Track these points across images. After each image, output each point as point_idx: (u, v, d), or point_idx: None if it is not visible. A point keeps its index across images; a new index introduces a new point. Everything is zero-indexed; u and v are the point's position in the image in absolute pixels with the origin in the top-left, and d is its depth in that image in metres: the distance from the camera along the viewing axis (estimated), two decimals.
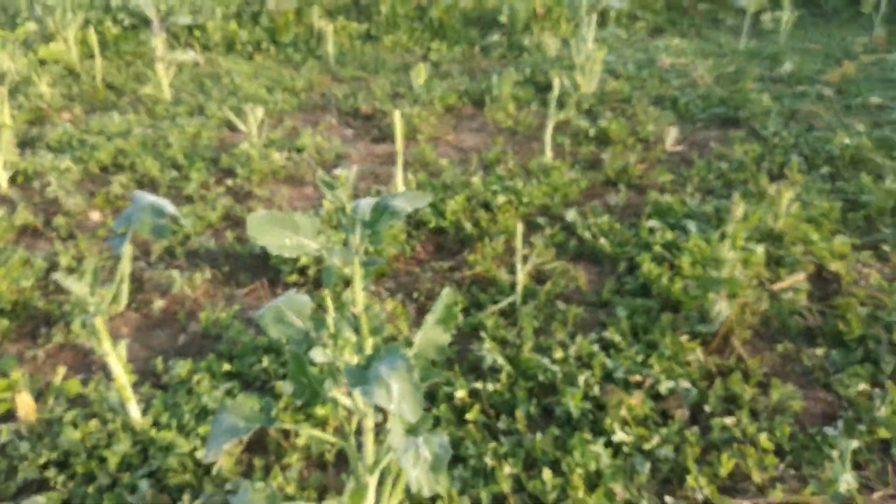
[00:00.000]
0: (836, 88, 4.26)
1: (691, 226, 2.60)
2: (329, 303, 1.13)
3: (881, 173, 3.04)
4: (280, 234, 1.01)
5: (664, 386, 1.84)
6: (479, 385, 1.83)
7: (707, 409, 1.78)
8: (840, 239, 2.45)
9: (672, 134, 3.52)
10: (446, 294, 1.24)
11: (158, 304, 2.31)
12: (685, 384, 1.85)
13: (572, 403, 1.75)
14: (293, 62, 4.95)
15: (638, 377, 1.88)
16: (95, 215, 2.92)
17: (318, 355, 1.08)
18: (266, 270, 2.50)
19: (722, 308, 2.06)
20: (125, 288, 1.66)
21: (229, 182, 3.13)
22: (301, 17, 5.22)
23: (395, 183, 2.85)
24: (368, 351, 1.10)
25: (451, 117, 4.05)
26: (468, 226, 2.70)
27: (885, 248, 2.49)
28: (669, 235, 2.51)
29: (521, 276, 2.22)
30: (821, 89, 4.21)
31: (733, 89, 4.22)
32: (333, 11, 5.43)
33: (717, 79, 4.43)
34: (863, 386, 1.79)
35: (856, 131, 3.47)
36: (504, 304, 2.22)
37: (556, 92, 3.12)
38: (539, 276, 2.41)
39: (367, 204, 1.07)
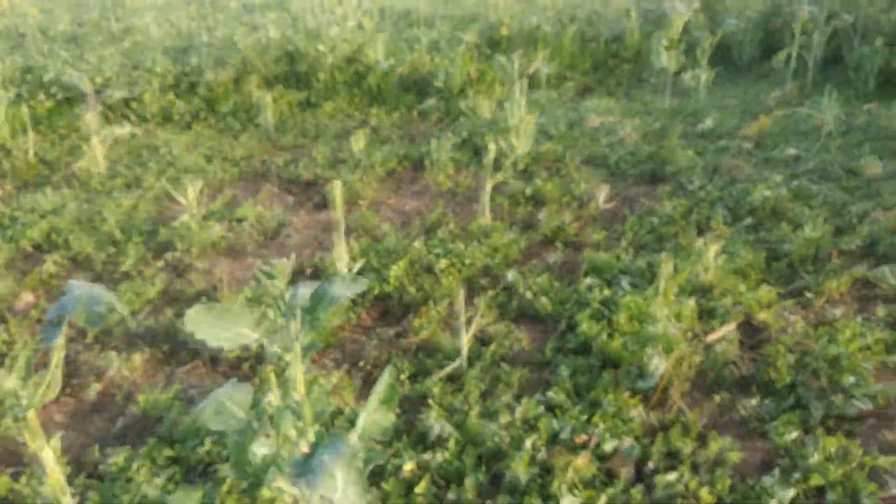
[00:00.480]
0: (755, 142, 4.52)
1: (626, 282, 2.69)
2: (273, 381, 1.13)
3: (800, 222, 3.23)
4: (219, 326, 1.02)
5: (609, 444, 1.88)
6: (427, 456, 1.83)
7: (650, 465, 1.82)
8: (765, 288, 2.59)
9: (604, 191, 3.67)
10: (388, 373, 1.26)
11: (95, 388, 2.24)
12: (629, 441, 1.89)
13: (520, 469, 1.76)
14: (232, 131, 4.97)
15: (583, 437, 1.92)
16: (27, 297, 2.83)
17: (261, 447, 1.08)
18: (207, 347, 2.46)
19: (659, 363, 2.14)
20: (59, 374, 1.61)
21: (168, 257, 3.09)
22: (239, 86, 5.28)
23: (337, 250, 2.87)
24: (312, 438, 1.10)
25: (391, 181, 4.13)
26: (412, 290, 2.73)
27: (808, 295, 2.64)
28: (606, 292, 2.60)
29: (466, 340, 2.25)
30: (740, 143, 4.47)
31: (660, 145, 4.44)
32: (271, 80, 5.50)
33: (644, 136, 4.65)
34: (795, 433, 1.87)
35: (774, 182, 3.69)
36: (450, 369, 2.24)
37: (491, 155, 3.23)
38: (483, 339, 2.45)
39: (305, 291, 1.09)
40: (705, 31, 5.47)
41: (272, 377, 1.16)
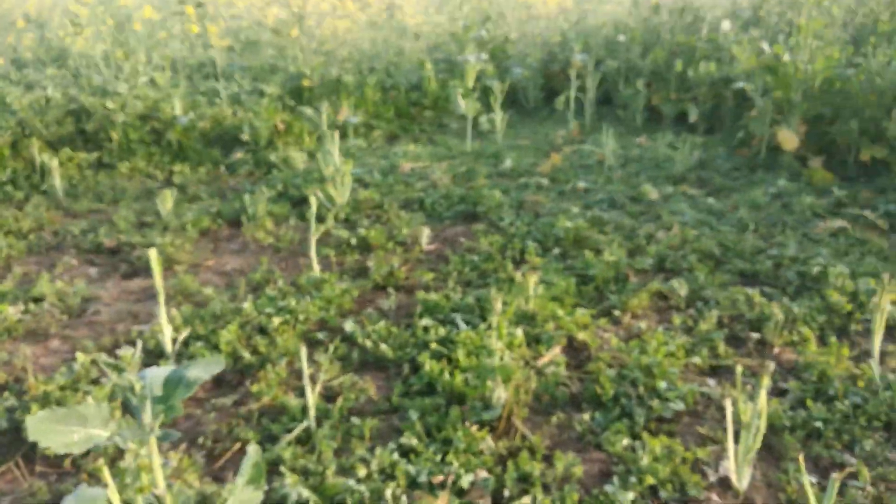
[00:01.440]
0: (550, 178, 4.98)
1: (459, 318, 2.82)
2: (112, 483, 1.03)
3: (599, 248, 3.61)
4: (65, 430, 0.92)
5: (465, 480, 1.94)
6: None
7: (506, 493, 1.91)
8: (581, 311, 2.85)
9: (425, 234, 3.82)
10: (253, 451, 1.21)
11: None
12: (483, 474, 1.97)
13: None
14: (15, 201, 4.42)
15: (440, 477, 1.96)
16: None
17: None
18: (19, 444, 2.15)
19: (500, 393, 2.26)
20: None
21: None
22: (18, 150, 4.72)
23: (158, 322, 2.67)
24: None
25: (207, 241, 3.93)
26: (246, 354, 2.61)
27: (616, 313, 2.95)
28: (442, 331, 2.69)
29: (312, 398, 2.21)
30: (538, 180, 4.90)
31: (469, 186, 4.72)
32: (56, 142, 4.99)
33: (454, 179, 4.92)
34: (626, 440, 2.07)
35: (573, 214, 4.10)
36: (298, 431, 2.17)
37: (314, 209, 3.22)
38: (329, 394, 2.41)
39: (157, 378, 1.02)
40: (495, 79, 5.94)
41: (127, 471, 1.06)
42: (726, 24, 6.09)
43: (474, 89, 5.85)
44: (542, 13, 7.57)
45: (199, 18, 8.13)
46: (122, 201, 4.47)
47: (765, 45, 5.19)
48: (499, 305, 2.21)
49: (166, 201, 4.12)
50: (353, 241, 3.75)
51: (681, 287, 3.12)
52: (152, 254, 2.48)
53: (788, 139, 4.91)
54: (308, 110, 5.26)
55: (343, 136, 6.03)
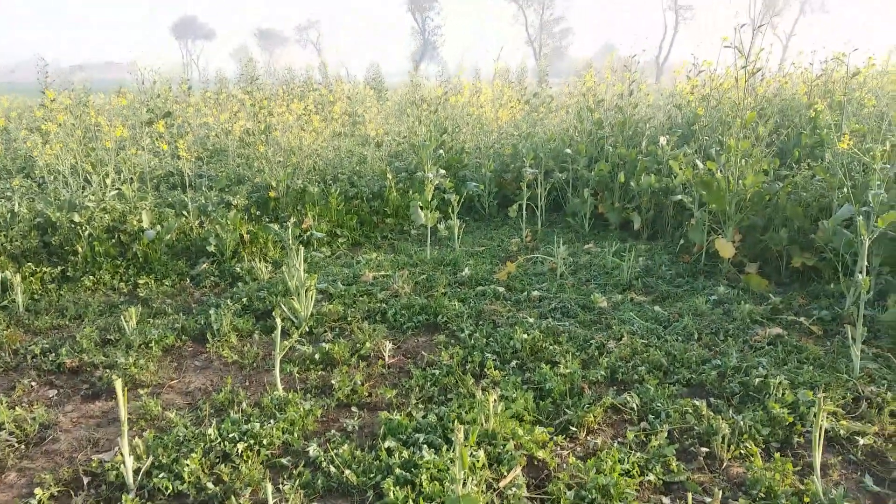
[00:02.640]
0: (506, 286, 5.20)
1: (422, 439, 2.90)
2: None
3: (555, 360, 3.78)
4: None
5: None
6: None
7: None
8: (539, 429, 2.97)
9: (387, 347, 3.94)
10: None
11: None
12: None
13: None
14: None
15: None
16: None
17: None
18: None
19: None
20: None
21: None
22: None
23: (120, 451, 2.68)
24: None
25: (172, 359, 3.96)
26: (210, 485, 2.63)
27: (573, 428, 3.08)
28: (406, 454, 2.77)
29: None
30: (495, 288, 5.11)
31: (429, 295, 4.90)
32: (19, 256, 5.03)
33: (415, 288, 5.09)
34: None
35: (529, 324, 4.28)
36: None
37: (279, 330, 3.33)
38: None
39: None
40: (452, 192, 6.26)
41: None
42: (663, 140, 6.59)
43: (433, 201, 6.14)
44: (493, 127, 8.05)
45: (167, 127, 8.39)
46: (86, 317, 4.49)
47: (699, 162, 5.64)
48: (461, 435, 2.32)
49: (131, 318, 4.17)
50: (317, 356, 3.84)
51: (632, 400, 3.28)
52: (118, 384, 2.54)
53: (725, 248, 5.26)
54: (274, 227, 5.44)
55: (308, 244, 6.22)
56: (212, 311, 4.36)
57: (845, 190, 4.72)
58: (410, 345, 4.15)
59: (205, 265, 5.49)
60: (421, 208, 5.93)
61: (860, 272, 3.59)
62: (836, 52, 6.82)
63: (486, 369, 3.66)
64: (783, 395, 3.31)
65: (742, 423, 3.07)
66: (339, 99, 13.05)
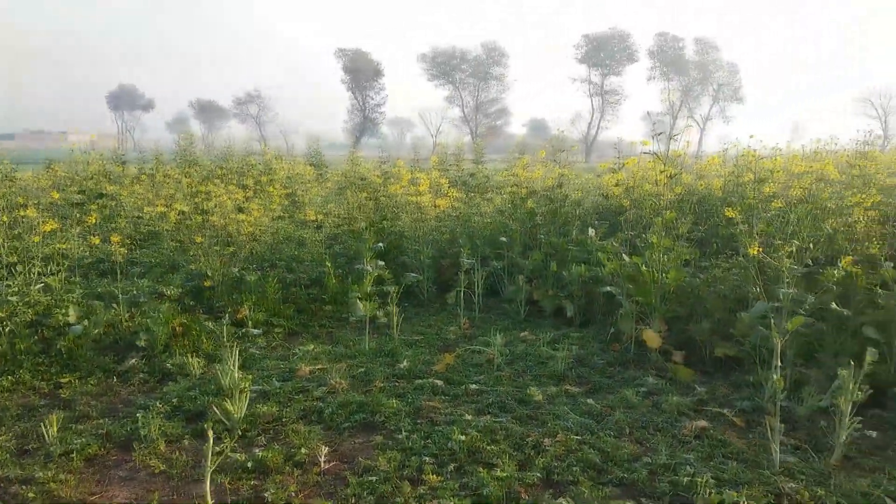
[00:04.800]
0: (444, 378, 5.23)
1: None
2: None
3: (492, 462, 3.81)
4: None
5: None
6: None
7: None
8: None
9: (323, 452, 3.88)
10: None
11: None
12: None
13: None
14: None
15: None
16: None
17: None
18: None
19: None
20: None
21: None
22: None
23: None
24: None
25: (94, 470, 3.78)
26: None
27: None
28: None
29: None
30: (433, 381, 5.13)
31: (367, 390, 4.88)
32: None
33: (352, 382, 5.07)
34: None
35: (466, 422, 4.31)
36: None
37: (210, 442, 3.25)
38: None
39: None
40: (391, 284, 6.33)
41: None
42: (591, 232, 6.92)
43: (371, 292, 6.19)
44: (432, 214, 8.27)
45: (99, 209, 8.23)
46: (3, 423, 4.26)
47: (625, 256, 5.93)
48: None
49: (52, 426, 3.98)
50: (250, 464, 3.74)
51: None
52: None
53: (652, 338, 5.49)
54: (209, 324, 5.36)
55: (244, 336, 6.12)
56: (139, 415, 4.22)
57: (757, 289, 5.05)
58: (347, 447, 4.10)
59: (134, 360, 5.33)
60: (359, 299, 5.97)
61: (774, 372, 3.82)
62: (746, 150, 7.40)
63: (423, 474, 3.65)
64: (710, 495, 3.43)
65: None
66: (278, 179, 13.14)
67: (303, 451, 3.90)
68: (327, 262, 7.22)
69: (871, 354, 3.79)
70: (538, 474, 3.68)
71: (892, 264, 5.01)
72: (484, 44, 78.37)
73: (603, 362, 5.69)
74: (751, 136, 8.02)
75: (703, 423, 4.42)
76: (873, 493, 3.52)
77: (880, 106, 74.03)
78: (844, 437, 3.86)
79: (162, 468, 3.78)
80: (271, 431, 4.27)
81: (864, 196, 5.47)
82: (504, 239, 7.65)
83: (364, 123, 75.52)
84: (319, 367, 5.43)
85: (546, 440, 4.13)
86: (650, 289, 5.56)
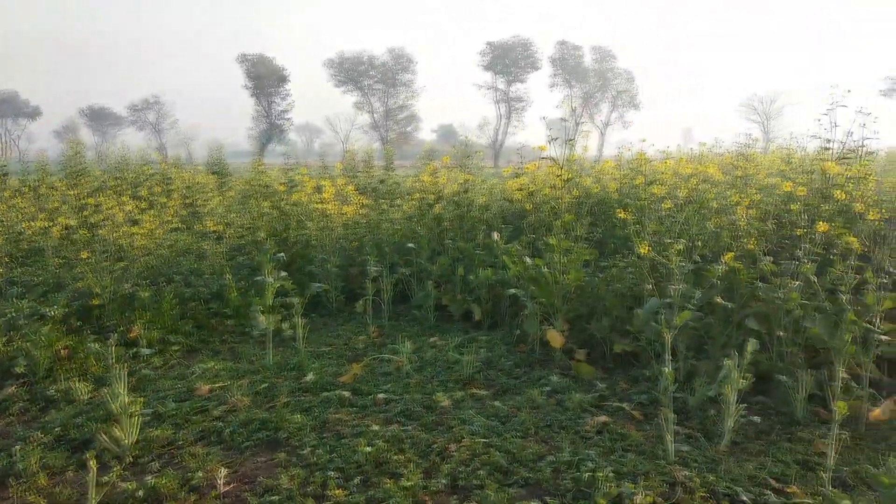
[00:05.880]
0: (352, 389, 5.14)
1: None
2: None
3: (398, 471, 3.76)
4: None
5: None
6: None
7: None
8: None
9: (222, 474, 3.72)
10: None
11: None
12: None
13: None
14: None
15: None
16: None
17: None
18: None
19: None
20: None
21: None
22: None
23: None
24: None
25: None
26: None
27: None
28: None
29: None
30: (340, 393, 5.03)
31: (270, 407, 4.72)
32: None
33: (254, 399, 4.89)
34: None
35: (373, 433, 4.24)
36: None
37: (93, 472, 3.05)
38: None
39: None
40: (296, 295, 6.17)
41: None
42: (496, 235, 7.02)
43: (274, 304, 6.01)
44: (339, 222, 8.14)
45: None
46: None
47: (528, 259, 6.05)
48: None
49: None
50: (141, 492, 3.53)
51: None
52: None
53: (555, 338, 5.62)
54: (95, 346, 5.04)
55: (137, 356, 5.79)
56: (16, 448, 3.90)
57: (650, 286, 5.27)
58: (248, 467, 3.94)
59: (12, 388, 4.93)
60: (261, 312, 5.78)
61: (665, 365, 3.98)
62: (639, 153, 7.73)
63: (327, 490, 3.56)
64: (609, 488, 3.53)
65: None
66: (177, 189, 12.60)
67: (199, 474, 3.72)
68: (227, 275, 6.96)
69: (752, 344, 4.02)
70: (444, 481, 3.68)
71: (770, 259, 5.36)
72: (391, 49, 78.41)
73: (510, 364, 5.76)
74: (643, 140, 8.38)
75: (604, 418, 4.56)
76: (759, 475, 3.73)
77: (762, 112, 79.69)
78: (731, 424, 4.08)
79: None
80: (166, 456, 4.05)
81: (743, 195, 5.83)
82: (412, 245, 7.63)
83: (270, 130, 73.71)
84: (220, 384, 5.21)
85: (452, 446, 4.13)
86: (552, 290, 5.69)
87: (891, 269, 4.44)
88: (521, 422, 4.51)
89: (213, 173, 17.55)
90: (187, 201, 11.56)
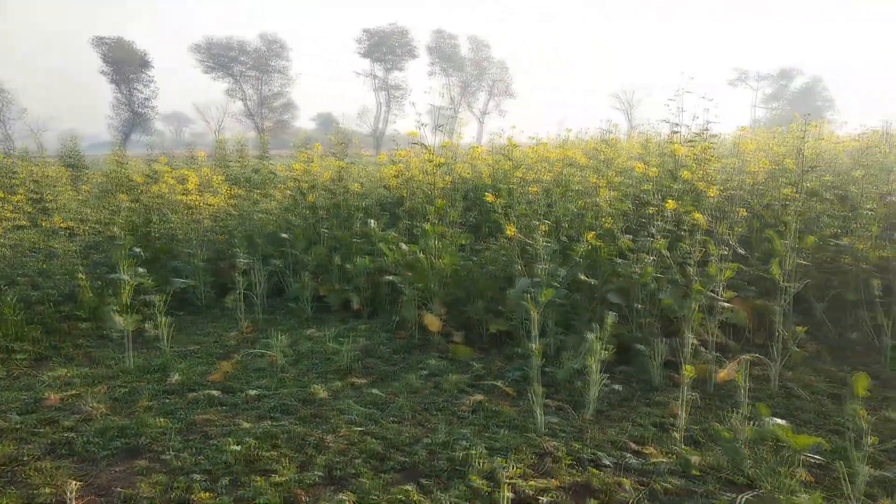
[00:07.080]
0: (222, 388, 4.92)
1: None
2: None
3: (271, 468, 3.64)
4: None
5: None
6: None
7: None
8: None
9: (73, 488, 3.42)
10: None
11: None
12: None
13: None
14: None
15: None
16: None
17: None
18: None
19: None
20: None
21: None
22: None
23: None
24: None
25: None
26: None
27: None
28: None
29: None
30: (209, 392, 4.80)
31: (130, 412, 4.42)
32: None
33: (113, 405, 4.56)
34: None
35: (243, 430, 4.08)
36: None
37: None
38: None
39: None
40: (156, 292, 5.81)
41: None
42: (373, 223, 6.96)
43: (133, 303, 5.63)
44: (205, 214, 7.75)
45: None
46: None
47: (403, 245, 6.05)
48: None
49: None
50: None
51: (347, 499, 3.29)
52: None
53: (433, 322, 5.67)
54: None
55: None
56: None
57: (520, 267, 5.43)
58: (104, 478, 3.66)
59: None
60: (117, 312, 5.39)
61: (533, 342, 4.11)
62: (509, 139, 7.92)
63: (192, 494, 3.38)
64: (482, 465, 3.60)
65: (447, 501, 3.26)
66: (20, 182, 11.52)
67: (46, 490, 3.41)
68: (81, 274, 6.43)
69: (610, 317, 4.24)
70: (319, 473, 3.60)
71: (630, 237, 5.68)
72: (262, 35, 75.54)
73: (389, 351, 5.75)
74: (513, 127, 8.60)
75: (479, 396, 4.65)
76: (620, 440, 3.95)
77: (626, 101, 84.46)
78: (596, 394, 4.29)
79: None
80: (8, 474, 3.68)
81: (602, 178, 6.13)
82: (285, 235, 7.40)
83: (133, 119, 68.88)
84: (73, 392, 4.80)
85: (328, 437, 4.06)
86: (428, 275, 5.72)
87: (731, 242, 4.83)
88: (399, 407, 4.50)
89: (67, 166, 16.20)
90: (35, 196, 10.58)
